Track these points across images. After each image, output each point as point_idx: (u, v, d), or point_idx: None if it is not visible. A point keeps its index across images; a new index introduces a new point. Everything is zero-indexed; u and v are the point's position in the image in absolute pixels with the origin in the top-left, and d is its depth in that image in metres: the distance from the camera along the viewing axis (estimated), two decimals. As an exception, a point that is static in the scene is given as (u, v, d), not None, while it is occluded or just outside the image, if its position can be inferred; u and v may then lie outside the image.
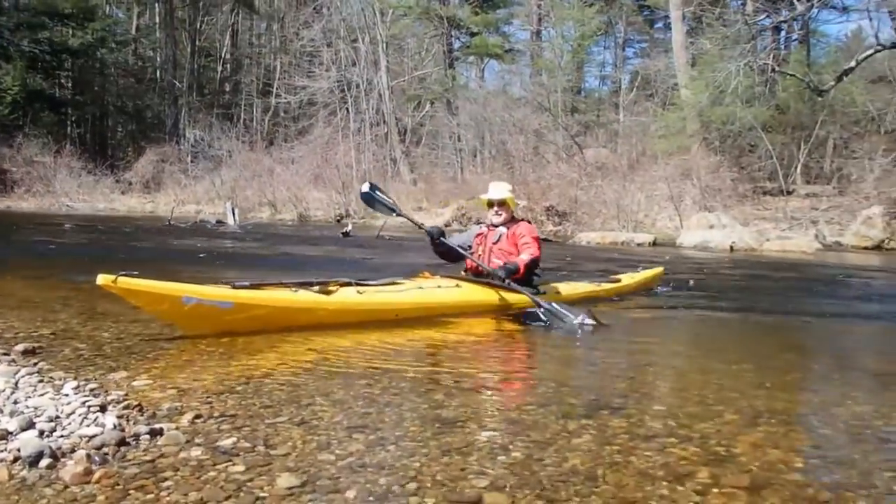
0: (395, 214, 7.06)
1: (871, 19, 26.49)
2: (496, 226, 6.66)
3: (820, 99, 27.50)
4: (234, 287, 4.81)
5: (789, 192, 27.40)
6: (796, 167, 29.01)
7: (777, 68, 28.08)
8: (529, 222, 6.81)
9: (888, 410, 3.61)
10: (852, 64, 25.59)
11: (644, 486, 2.43)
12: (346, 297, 5.27)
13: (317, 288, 5.14)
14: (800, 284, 11.05)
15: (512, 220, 6.70)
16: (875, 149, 26.05)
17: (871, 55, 25.49)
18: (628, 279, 8.11)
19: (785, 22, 30.17)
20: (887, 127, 28.38)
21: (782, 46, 34.04)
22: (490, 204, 6.70)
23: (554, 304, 5.84)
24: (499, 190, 6.74)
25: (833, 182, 27.58)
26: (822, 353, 5.24)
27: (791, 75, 28.05)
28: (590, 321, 5.55)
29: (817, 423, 3.40)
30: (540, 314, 5.77)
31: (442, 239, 6.61)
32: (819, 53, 34.90)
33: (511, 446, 2.77)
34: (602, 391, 3.80)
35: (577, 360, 4.93)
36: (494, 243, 6.58)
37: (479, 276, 6.45)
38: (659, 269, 8.96)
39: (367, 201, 7.04)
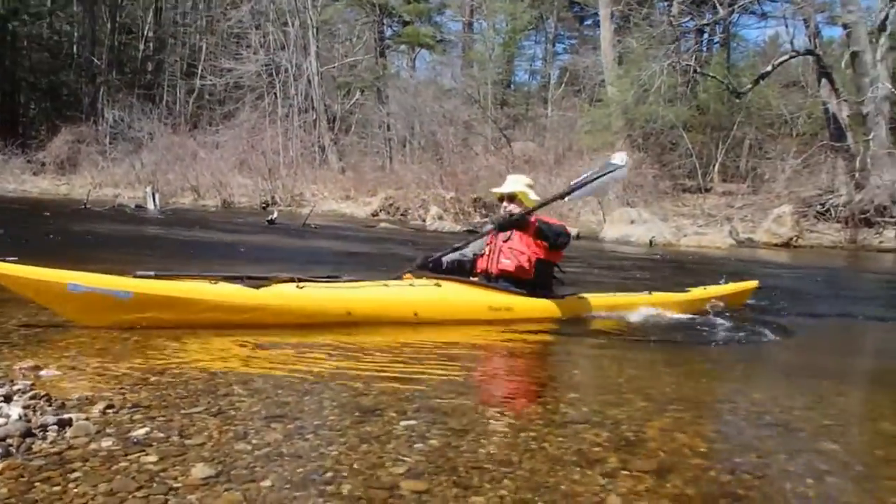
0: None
1: (787, 26, 27.71)
2: None
3: (738, 101, 28.50)
4: (136, 276, 4.31)
5: (707, 190, 28.33)
6: (714, 166, 29.99)
7: (699, 70, 28.95)
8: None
9: (785, 397, 3.90)
10: (769, 68, 26.63)
11: (556, 471, 2.50)
12: (281, 292, 4.60)
13: (244, 283, 4.58)
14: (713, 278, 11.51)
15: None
16: (787, 150, 27.11)
17: (786, 60, 26.55)
18: (699, 292, 6.98)
19: (707, 25, 31.16)
20: (799, 130, 29.54)
21: (704, 49, 35.07)
22: (501, 198, 5.98)
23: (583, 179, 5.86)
24: (511, 182, 5.96)
25: (748, 181, 28.55)
26: (727, 344, 5.42)
27: (712, 77, 28.98)
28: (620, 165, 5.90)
29: (721, 410, 3.63)
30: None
31: (424, 262, 5.75)
32: (738, 57, 36.16)
33: (428, 434, 2.78)
34: (519, 380, 3.96)
35: (495, 350, 4.90)
36: (505, 241, 5.68)
37: (488, 278, 5.68)
38: (751, 284, 7.61)
39: None
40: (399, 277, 5.50)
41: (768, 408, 3.61)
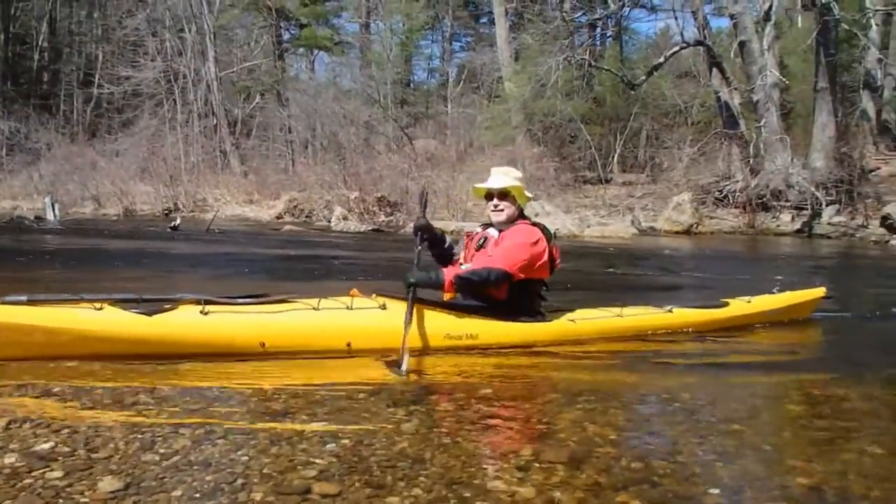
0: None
1: (676, 19, 28.49)
2: (493, 226, 4.83)
3: (633, 92, 29.19)
4: (4, 302, 3.69)
5: (607, 181, 28.93)
6: (613, 157, 30.66)
7: (593, 63, 29.54)
8: (537, 225, 4.79)
9: (694, 385, 3.98)
10: (661, 60, 27.36)
11: (470, 465, 2.52)
12: (180, 319, 3.91)
13: (138, 307, 3.89)
14: (619, 266, 11.74)
15: (518, 220, 4.80)
16: (683, 139, 27.83)
17: (677, 52, 27.32)
18: (742, 306, 5.77)
19: (600, 20, 31.83)
20: (693, 119, 30.43)
21: (598, 43, 35.79)
22: (488, 196, 4.82)
23: None
24: (500, 176, 4.83)
25: (646, 171, 29.25)
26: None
27: (606, 70, 29.62)
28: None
29: (630, 400, 3.67)
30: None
31: (420, 235, 4.82)
32: (631, 50, 37.15)
33: (340, 434, 2.76)
34: (430, 377, 3.91)
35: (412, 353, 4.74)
36: (477, 249, 4.72)
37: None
38: (816, 292, 6.27)
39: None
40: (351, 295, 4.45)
41: (676, 394, 3.72)
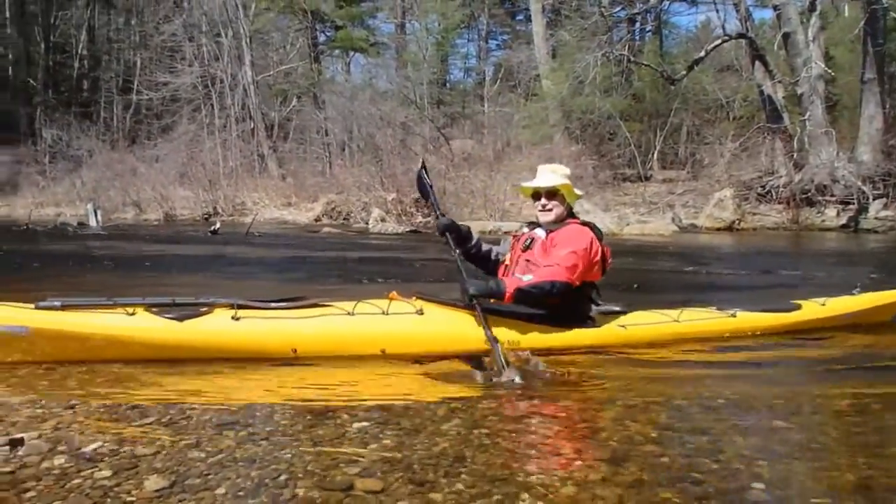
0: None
1: (717, 11, 28.13)
2: (541, 226, 4.62)
3: (673, 88, 28.80)
4: (39, 307, 3.70)
5: (647, 178, 28.60)
6: (653, 154, 30.30)
7: (632, 59, 29.23)
8: (587, 224, 4.58)
9: (735, 382, 3.83)
10: (702, 54, 26.93)
11: (511, 463, 2.52)
12: (211, 325, 3.87)
13: (171, 312, 3.86)
14: (663, 265, 11.52)
15: (567, 220, 4.59)
16: (724, 134, 27.45)
17: (718, 45, 26.86)
18: (817, 309, 5.32)
19: (639, 14, 31.49)
20: (735, 113, 29.96)
21: (637, 38, 35.49)
22: (536, 195, 4.60)
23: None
24: (548, 173, 4.61)
25: (687, 167, 28.88)
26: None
27: (646, 65, 29.29)
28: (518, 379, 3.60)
29: (671, 397, 3.53)
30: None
31: (449, 235, 4.57)
32: (671, 44, 36.70)
33: (381, 434, 2.78)
34: (468, 377, 3.84)
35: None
36: (524, 250, 4.54)
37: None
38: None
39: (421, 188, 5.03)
40: (389, 298, 4.33)
41: (719, 390, 3.63)
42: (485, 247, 4.84)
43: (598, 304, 4.57)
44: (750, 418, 3.20)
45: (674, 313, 4.77)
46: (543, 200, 4.55)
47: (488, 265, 4.85)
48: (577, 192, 4.64)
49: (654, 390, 3.66)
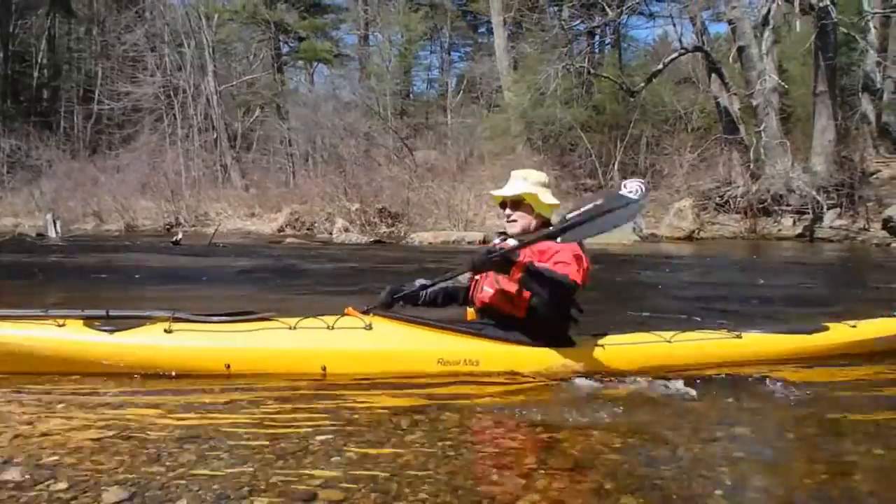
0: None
1: (674, 25, 28.64)
2: (511, 237, 4.19)
3: (632, 99, 29.14)
4: None
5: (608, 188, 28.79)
6: (614, 164, 30.55)
7: (592, 71, 29.54)
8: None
9: (699, 390, 3.73)
10: (660, 66, 27.40)
11: (474, 473, 2.57)
12: (142, 338, 3.69)
13: (103, 324, 3.72)
14: (632, 275, 11.66)
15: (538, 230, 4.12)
16: (683, 145, 27.82)
17: (675, 58, 27.36)
18: (846, 332, 4.60)
19: (598, 27, 31.84)
20: (693, 125, 30.37)
21: (597, 50, 35.89)
22: (503, 204, 4.23)
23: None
24: (516, 181, 4.20)
25: (647, 177, 29.16)
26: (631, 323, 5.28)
27: (605, 77, 29.64)
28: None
29: (633, 405, 3.50)
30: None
31: (393, 297, 4.18)
32: (630, 57, 37.09)
33: (345, 447, 2.78)
34: (432, 389, 3.75)
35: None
36: None
37: (484, 311, 4.11)
38: None
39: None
40: (344, 314, 4.05)
41: (678, 394, 3.64)
42: (437, 289, 4.34)
43: (576, 321, 4.06)
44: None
45: (665, 334, 4.24)
46: (508, 210, 4.17)
47: (457, 299, 4.42)
48: (550, 200, 4.15)
49: (619, 398, 3.61)
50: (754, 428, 3.27)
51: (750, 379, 3.96)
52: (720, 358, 4.22)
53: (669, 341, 4.17)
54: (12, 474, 2.39)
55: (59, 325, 3.64)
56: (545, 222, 4.18)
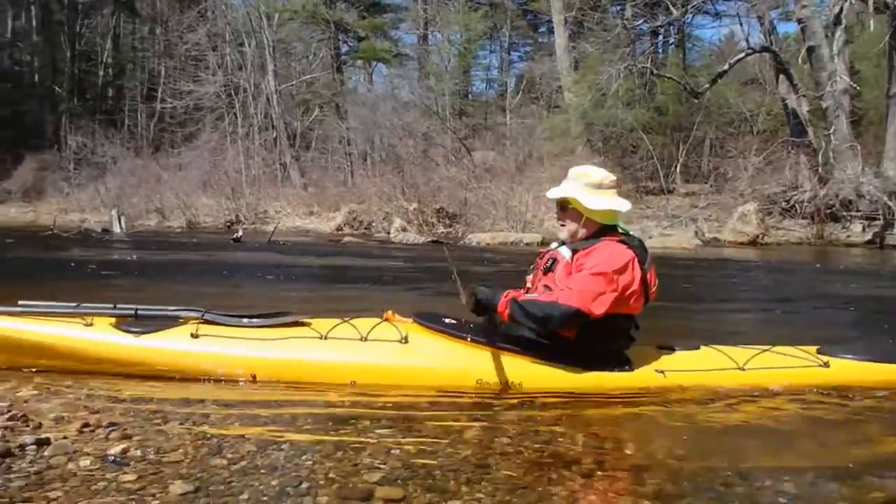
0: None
1: (741, 24, 27.93)
2: (563, 244, 3.78)
3: (696, 101, 28.61)
4: None
5: (670, 191, 28.40)
6: (676, 167, 30.08)
7: (655, 71, 29.09)
8: (628, 242, 3.64)
9: (759, 395, 3.64)
10: (726, 67, 26.76)
11: (533, 472, 2.52)
12: (168, 342, 3.61)
13: (130, 324, 3.66)
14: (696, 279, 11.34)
15: (593, 238, 3.67)
16: (748, 148, 27.18)
17: (742, 58, 26.69)
18: None
19: (662, 27, 31.37)
20: (759, 127, 29.70)
21: (660, 50, 35.38)
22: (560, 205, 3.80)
23: None
24: (567, 182, 3.76)
25: (710, 180, 28.65)
26: (699, 334, 5.18)
27: (669, 78, 29.11)
28: None
29: (695, 411, 3.42)
30: None
31: (478, 300, 3.61)
32: (695, 57, 36.48)
33: (403, 441, 2.78)
34: (490, 387, 3.72)
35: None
36: (545, 273, 3.71)
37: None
38: None
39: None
40: (384, 318, 3.84)
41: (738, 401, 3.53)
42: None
43: (633, 340, 3.70)
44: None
45: (737, 353, 3.77)
46: (557, 212, 3.80)
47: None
48: (597, 205, 3.64)
49: (685, 414, 3.41)
50: (838, 461, 2.88)
51: (841, 420, 3.39)
52: (801, 388, 3.68)
53: (742, 368, 3.68)
54: (82, 463, 2.44)
55: (87, 325, 3.61)
56: (600, 229, 3.68)
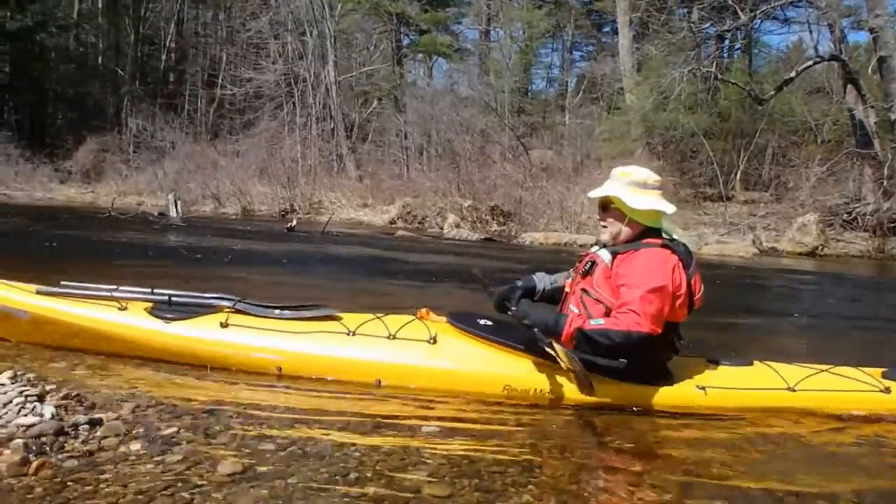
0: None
1: (811, 32, 27.39)
2: (604, 246, 3.62)
3: (760, 108, 28.13)
4: (38, 292, 3.70)
5: (728, 198, 27.95)
6: (736, 174, 29.62)
7: (720, 76, 28.67)
8: (671, 246, 3.50)
9: (802, 419, 3.49)
10: (792, 74, 26.29)
11: (579, 476, 2.55)
12: (197, 331, 3.63)
13: (162, 310, 3.70)
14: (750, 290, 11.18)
15: (635, 240, 3.53)
16: (811, 158, 26.70)
17: (809, 66, 26.17)
18: None
19: (729, 31, 30.80)
20: (824, 137, 29.15)
21: (725, 55, 34.79)
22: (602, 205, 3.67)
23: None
24: (611, 181, 3.63)
25: (770, 189, 28.19)
26: (753, 348, 5.16)
27: (733, 84, 28.67)
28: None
29: (745, 423, 3.38)
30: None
31: (506, 304, 3.65)
32: (760, 63, 35.81)
33: (450, 440, 2.81)
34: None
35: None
36: (583, 276, 3.56)
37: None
38: None
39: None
40: (417, 315, 3.80)
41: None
42: (549, 284, 3.85)
43: (677, 351, 3.53)
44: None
45: (787, 371, 3.56)
46: (599, 213, 3.64)
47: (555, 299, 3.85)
48: (641, 205, 3.47)
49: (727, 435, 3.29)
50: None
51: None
52: (854, 416, 3.49)
53: (792, 389, 3.47)
54: (133, 444, 2.52)
55: (121, 309, 3.68)
56: (644, 231, 3.53)
